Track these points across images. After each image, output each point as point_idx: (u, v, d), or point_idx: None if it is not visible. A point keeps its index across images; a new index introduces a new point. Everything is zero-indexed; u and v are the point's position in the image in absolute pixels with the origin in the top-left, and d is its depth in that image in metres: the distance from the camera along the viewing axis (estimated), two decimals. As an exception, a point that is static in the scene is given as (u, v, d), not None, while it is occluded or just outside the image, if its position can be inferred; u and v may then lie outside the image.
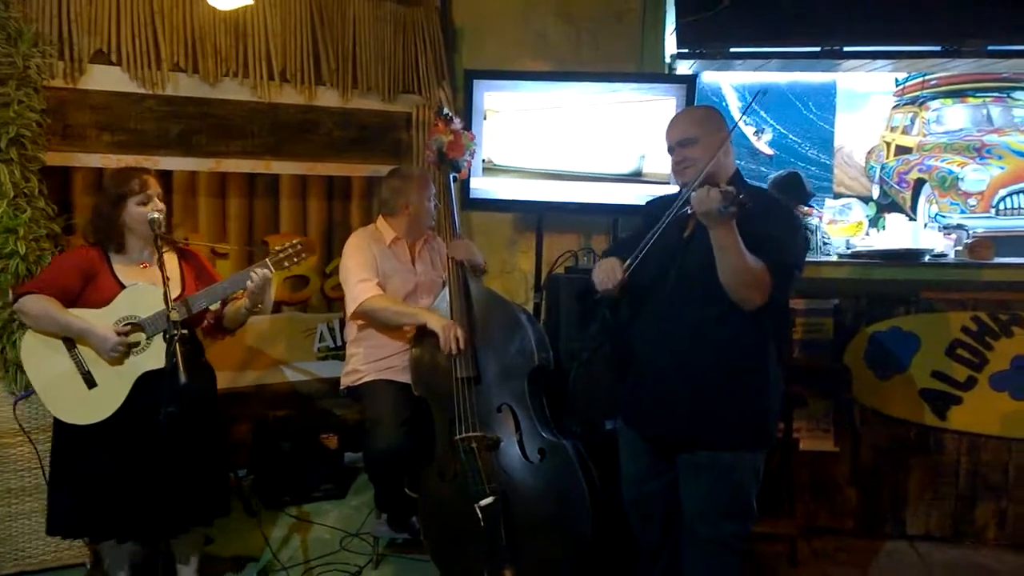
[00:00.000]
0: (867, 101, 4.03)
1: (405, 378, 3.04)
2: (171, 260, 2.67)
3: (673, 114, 2.70)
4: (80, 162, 3.24)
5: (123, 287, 2.53)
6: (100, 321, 2.50)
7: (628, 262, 2.27)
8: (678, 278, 2.30)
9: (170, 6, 3.32)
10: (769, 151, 4.02)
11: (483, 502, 2.66)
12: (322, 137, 3.70)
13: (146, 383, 2.49)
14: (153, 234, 2.56)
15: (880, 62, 3.66)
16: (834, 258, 3.68)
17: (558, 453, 2.75)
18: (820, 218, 3.79)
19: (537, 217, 3.70)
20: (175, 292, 2.60)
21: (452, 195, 3.22)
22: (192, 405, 2.52)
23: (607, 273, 2.30)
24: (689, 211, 2.09)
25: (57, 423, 2.58)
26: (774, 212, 2.27)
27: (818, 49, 3.52)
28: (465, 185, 3.47)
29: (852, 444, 3.48)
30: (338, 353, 3.76)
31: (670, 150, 2.39)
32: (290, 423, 3.64)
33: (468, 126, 3.37)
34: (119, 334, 2.48)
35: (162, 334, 2.38)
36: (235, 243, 3.33)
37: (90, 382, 2.52)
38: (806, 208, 3.67)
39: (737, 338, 2.25)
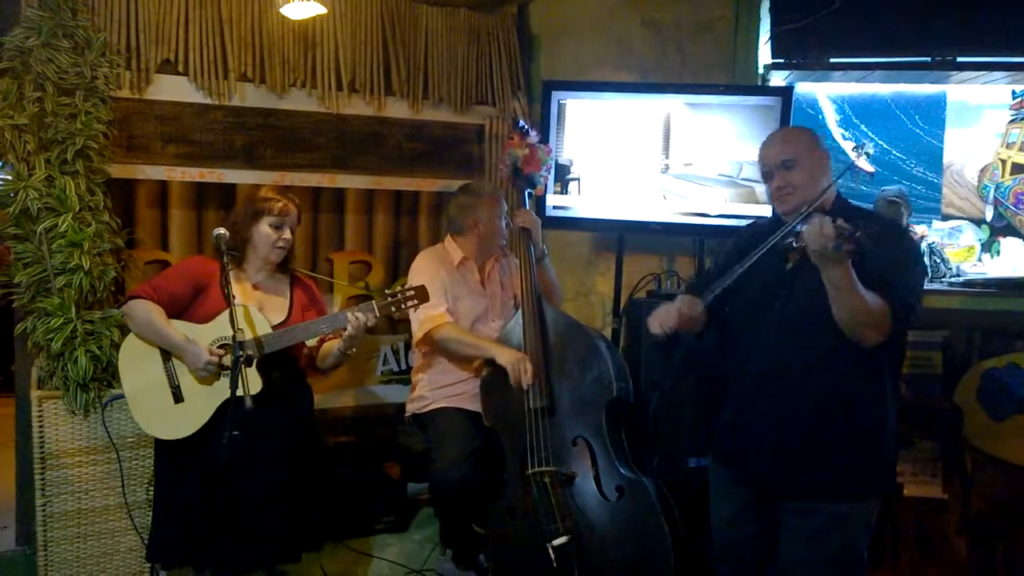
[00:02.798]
0: (980, 115, 3.89)
1: (474, 406, 3.06)
2: (284, 286, 2.80)
3: (770, 131, 2.65)
4: (144, 175, 3.33)
5: (236, 306, 2.56)
6: (199, 338, 2.57)
7: (699, 302, 2.31)
8: (783, 312, 2.25)
9: (239, 15, 3.41)
10: (870, 168, 3.89)
11: (556, 542, 2.65)
12: (390, 150, 3.74)
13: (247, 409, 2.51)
14: (274, 260, 2.73)
15: (997, 73, 3.55)
16: (944, 286, 3.56)
17: (637, 491, 2.71)
18: (923, 237, 3.67)
19: (618, 237, 3.67)
20: (278, 319, 2.69)
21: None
22: (290, 433, 2.65)
23: (663, 317, 2.34)
24: (794, 244, 2.05)
25: (158, 444, 2.67)
26: (892, 241, 2.19)
27: (929, 60, 3.43)
28: (540, 202, 3.46)
29: (963, 491, 3.34)
30: (402, 377, 3.78)
31: (768, 175, 2.35)
32: (352, 450, 3.68)
33: (545, 139, 3.37)
34: (213, 355, 2.54)
35: (255, 360, 2.49)
36: (302, 265, 3.30)
37: (178, 397, 2.59)
38: (919, 228, 3.57)
39: (851, 375, 2.19)
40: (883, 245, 2.10)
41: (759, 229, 2.40)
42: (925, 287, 3.46)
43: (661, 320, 2.35)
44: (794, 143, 2.33)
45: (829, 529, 2.24)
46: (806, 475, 2.25)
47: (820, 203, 2.21)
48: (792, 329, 2.23)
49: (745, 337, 2.37)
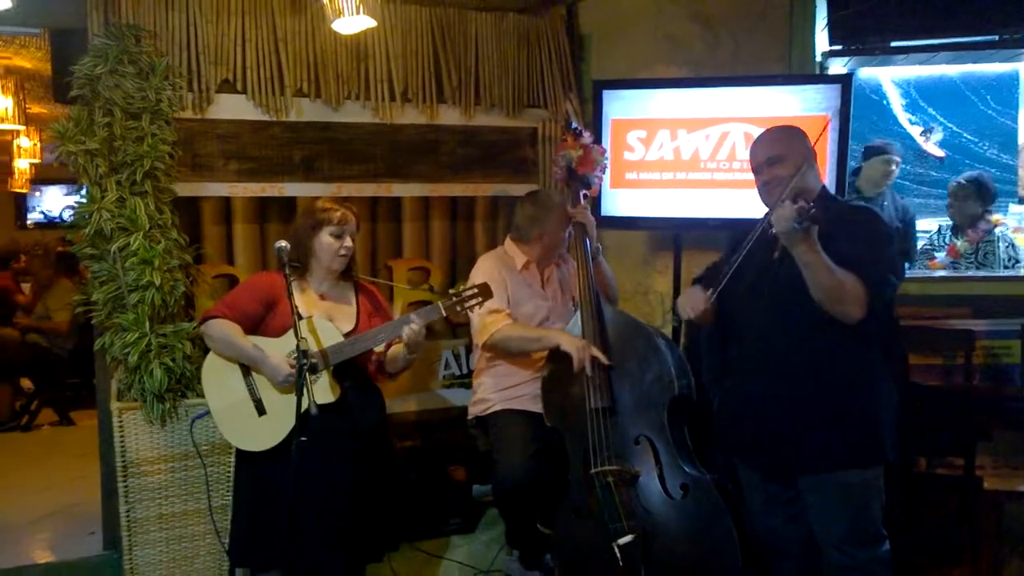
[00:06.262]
0: (1058, 92, 3.84)
1: (536, 407, 3.12)
2: (349, 294, 2.92)
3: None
4: (208, 192, 3.54)
5: (300, 318, 2.64)
6: (275, 351, 2.70)
7: (711, 291, 2.49)
8: (772, 299, 2.44)
9: (293, 33, 3.58)
10: (939, 153, 3.90)
11: (622, 541, 2.71)
12: (444, 157, 3.86)
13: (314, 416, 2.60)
14: (336, 269, 2.84)
15: (1071, 48, 3.50)
16: (1021, 272, 3.53)
17: (702, 489, 2.76)
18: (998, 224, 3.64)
19: (674, 235, 3.73)
20: (348, 327, 2.82)
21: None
22: (362, 439, 2.78)
23: (690, 301, 2.55)
24: (773, 232, 2.24)
25: (239, 452, 2.83)
26: (858, 223, 2.42)
27: (996, 38, 3.40)
28: (596, 202, 3.55)
29: (1048, 484, 3.32)
30: (464, 381, 3.90)
31: (757, 171, 2.54)
32: (417, 454, 3.81)
33: (598, 140, 3.45)
34: (292, 367, 2.66)
35: (329, 369, 2.65)
36: (362, 273, 3.42)
37: (260, 410, 2.73)
38: (994, 216, 3.55)
39: (836, 351, 2.37)
40: (851, 228, 2.33)
41: (751, 224, 2.54)
42: (1005, 276, 3.48)
43: (692, 304, 2.55)
44: (781, 140, 2.54)
45: (837, 501, 2.41)
46: (804, 449, 2.42)
47: (803, 194, 2.35)
48: (781, 313, 2.42)
49: (744, 326, 2.55)
